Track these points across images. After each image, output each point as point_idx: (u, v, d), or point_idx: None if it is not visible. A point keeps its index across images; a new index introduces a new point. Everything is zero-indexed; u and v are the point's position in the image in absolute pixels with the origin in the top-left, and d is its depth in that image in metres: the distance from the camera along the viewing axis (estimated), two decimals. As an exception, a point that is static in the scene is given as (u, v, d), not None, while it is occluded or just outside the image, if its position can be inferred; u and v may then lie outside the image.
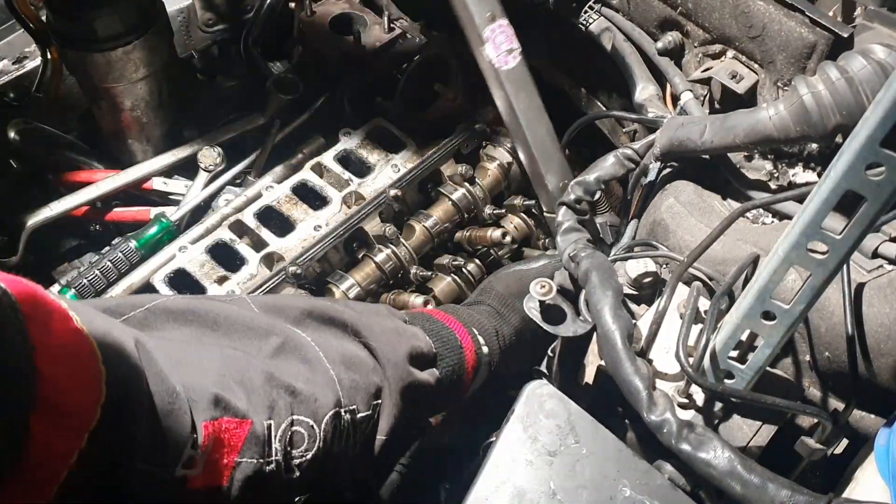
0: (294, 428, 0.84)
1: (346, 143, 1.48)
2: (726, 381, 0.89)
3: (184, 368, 0.76)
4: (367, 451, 0.96)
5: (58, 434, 0.60)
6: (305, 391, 0.86)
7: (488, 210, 1.48)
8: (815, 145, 1.14)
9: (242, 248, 1.34)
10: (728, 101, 1.24)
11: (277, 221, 1.38)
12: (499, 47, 1.26)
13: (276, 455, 0.81)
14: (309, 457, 0.85)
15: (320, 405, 0.87)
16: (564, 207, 1.19)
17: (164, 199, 1.50)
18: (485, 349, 1.12)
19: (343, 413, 0.90)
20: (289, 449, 0.83)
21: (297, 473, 0.84)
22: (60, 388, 0.61)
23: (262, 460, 0.80)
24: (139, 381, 0.69)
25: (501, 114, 1.34)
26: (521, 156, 1.36)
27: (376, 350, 0.97)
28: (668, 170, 1.24)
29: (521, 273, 1.26)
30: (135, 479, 0.68)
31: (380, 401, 0.95)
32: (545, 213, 1.39)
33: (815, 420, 0.93)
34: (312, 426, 0.86)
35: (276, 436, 0.81)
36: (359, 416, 0.92)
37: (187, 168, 1.51)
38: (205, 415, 0.74)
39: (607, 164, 1.21)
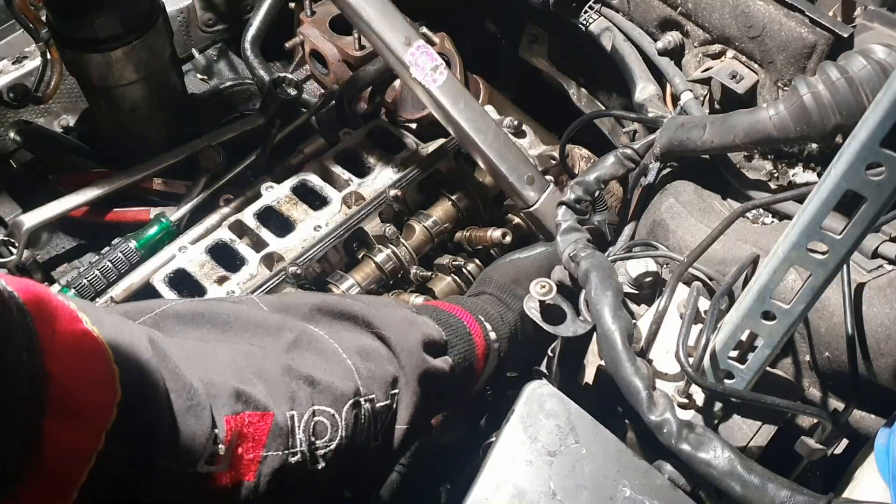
0: (316, 418, 0.83)
1: (346, 143, 1.48)
2: (726, 381, 0.89)
3: (200, 364, 0.76)
4: (388, 443, 0.96)
5: (72, 435, 0.60)
6: (324, 381, 0.86)
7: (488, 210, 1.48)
8: (815, 145, 1.14)
9: (242, 248, 1.33)
10: (728, 101, 1.24)
11: (277, 221, 1.38)
12: (423, 68, 1.27)
13: (300, 446, 0.81)
14: (333, 447, 0.85)
15: (340, 394, 0.86)
16: (564, 207, 1.19)
17: (164, 199, 1.50)
18: (492, 335, 1.12)
19: (363, 402, 0.89)
20: (313, 439, 0.83)
21: (323, 464, 0.84)
22: (72, 389, 0.60)
23: (286, 452, 0.79)
24: (155, 378, 0.68)
25: (449, 130, 1.35)
26: (480, 162, 1.37)
27: (389, 340, 0.96)
28: (668, 170, 1.24)
29: (518, 261, 1.26)
30: (157, 477, 0.67)
31: (397, 390, 0.95)
32: (521, 211, 1.39)
33: (815, 420, 0.93)
34: (334, 415, 0.85)
35: (299, 426, 0.81)
36: (378, 405, 0.91)
37: (187, 168, 1.51)
38: (225, 409, 0.74)
39: (607, 164, 1.21)
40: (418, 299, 1.34)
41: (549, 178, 1.40)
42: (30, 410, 0.57)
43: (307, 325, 0.92)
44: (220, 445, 0.72)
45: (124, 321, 0.72)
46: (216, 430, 0.72)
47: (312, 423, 0.83)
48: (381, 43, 1.27)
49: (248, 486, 0.76)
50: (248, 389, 0.77)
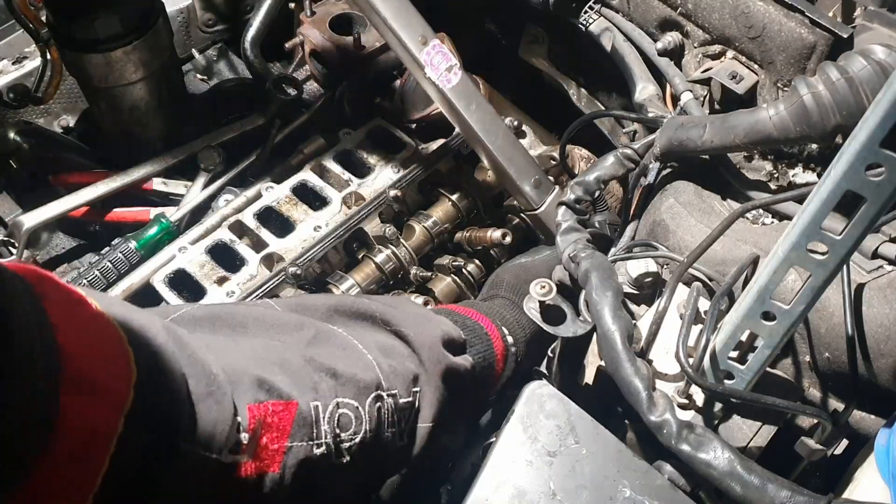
0: (340, 410, 0.82)
1: (346, 143, 1.48)
2: (726, 381, 0.89)
3: (220, 354, 0.74)
4: (414, 442, 0.94)
5: (90, 414, 0.57)
6: (347, 373, 0.84)
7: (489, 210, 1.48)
8: (815, 145, 1.14)
9: (242, 248, 1.34)
10: (728, 102, 1.24)
11: (277, 222, 1.38)
12: (438, 68, 1.28)
13: (325, 437, 0.79)
14: (357, 440, 0.83)
15: (363, 387, 0.85)
16: (564, 207, 1.19)
17: (164, 199, 1.50)
18: (510, 339, 1.11)
19: (385, 396, 0.88)
20: (337, 431, 0.81)
21: (348, 458, 0.82)
22: (87, 365, 0.58)
23: (311, 443, 0.78)
24: (171, 361, 0.66)
25: (458, 129, 1.36)
26: (487, 164, 1.38)
27: (409, 337, 0.95)
28: (667, 170, 1.24)
29: (528, 264, 1.26)
30: (178, 464, 0.65)
31: (419, 388, 0.93)
32: (524, 213, 1.40)
33: (815, 420, 0.93)
34: (357, 408, 0.84)
35: (324, 417, 0.79)
36: (400, 401, 0.90)
37: (187, 168, 1.51)
38: (248, 397, 0.72)
39: (607, 164, 1.21)
40: (418, 300, 1.34)
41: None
42: (46, 382, 0.54)
43: (326, 324, 0.91)
44: (244, 434, 0.70)
45: (134, 307, 0.70)
46: (238, 418, 0.70)
47: (337, 415, 0.81)
48: (396, 40, 1.27)
49: (272, 478, 0.74)
50: (271, 378, 0.75)
